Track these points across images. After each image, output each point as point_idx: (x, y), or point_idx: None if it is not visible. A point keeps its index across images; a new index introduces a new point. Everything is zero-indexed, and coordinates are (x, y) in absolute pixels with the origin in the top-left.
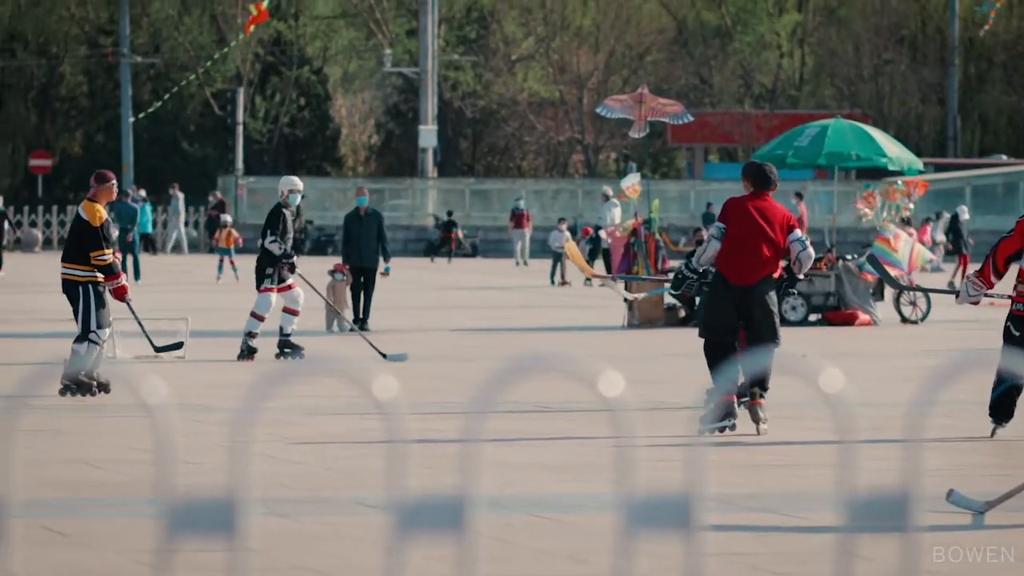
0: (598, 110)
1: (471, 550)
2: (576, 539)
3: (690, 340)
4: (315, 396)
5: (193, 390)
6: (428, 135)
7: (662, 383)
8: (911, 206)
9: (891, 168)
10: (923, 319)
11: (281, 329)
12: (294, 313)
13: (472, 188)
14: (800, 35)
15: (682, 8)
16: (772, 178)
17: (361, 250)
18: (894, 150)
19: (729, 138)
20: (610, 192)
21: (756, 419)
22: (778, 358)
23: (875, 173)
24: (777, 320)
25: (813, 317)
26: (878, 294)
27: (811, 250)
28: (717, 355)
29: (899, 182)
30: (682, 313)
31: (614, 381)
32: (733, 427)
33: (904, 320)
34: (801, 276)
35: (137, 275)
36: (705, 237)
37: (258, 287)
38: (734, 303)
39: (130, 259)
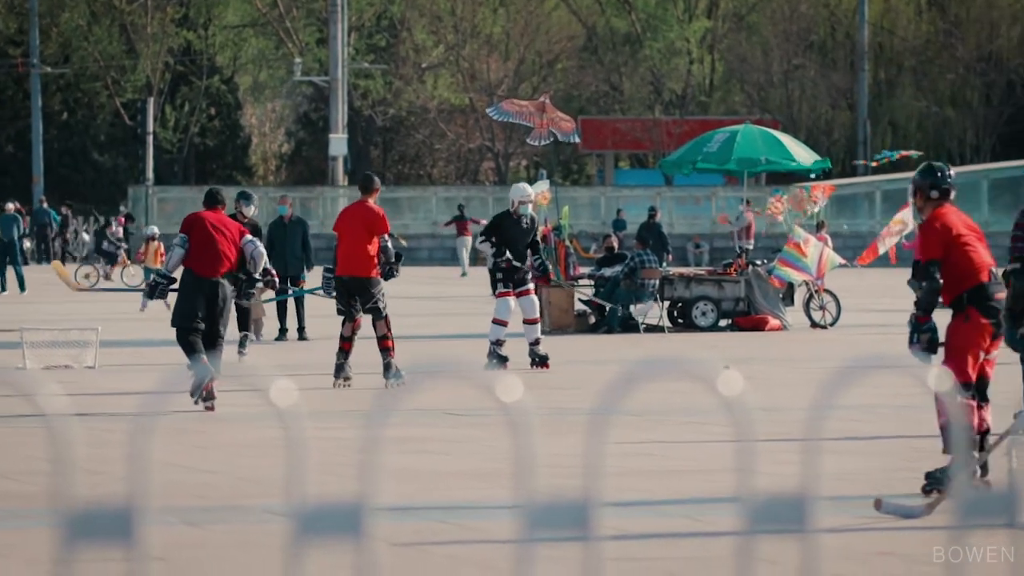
0: (489, 111)
1: (370, 556)
2: (485, 545)
3: (598, 346)
4: (227, 404)
5: (100, 399)
6: (338, 143)
7: (566, 389)
8: (818, 210)
9: (800, 172)
10: (833, 324)
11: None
12: (532, 322)
13: (382, 196)
14: (710, 41)
15: (592, 15)
16: (220, 197)
17: (287, 258)
18: (803, 154)
19: (639, 144)
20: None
21: (209, 398)
22: (683, 364)
23: (785, 178)
24: (232, 308)
25: (723, 322)
26: (788, 299)
27: (261, 248)
28: (190, 342)
29: (806, 187)
30: (592, 319)
31: (512, 386)
32: (212, 407)
33: (814, 325)
34: (257, 274)
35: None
36: (615, 244)
37: (493, 292)
38: (204, 294)
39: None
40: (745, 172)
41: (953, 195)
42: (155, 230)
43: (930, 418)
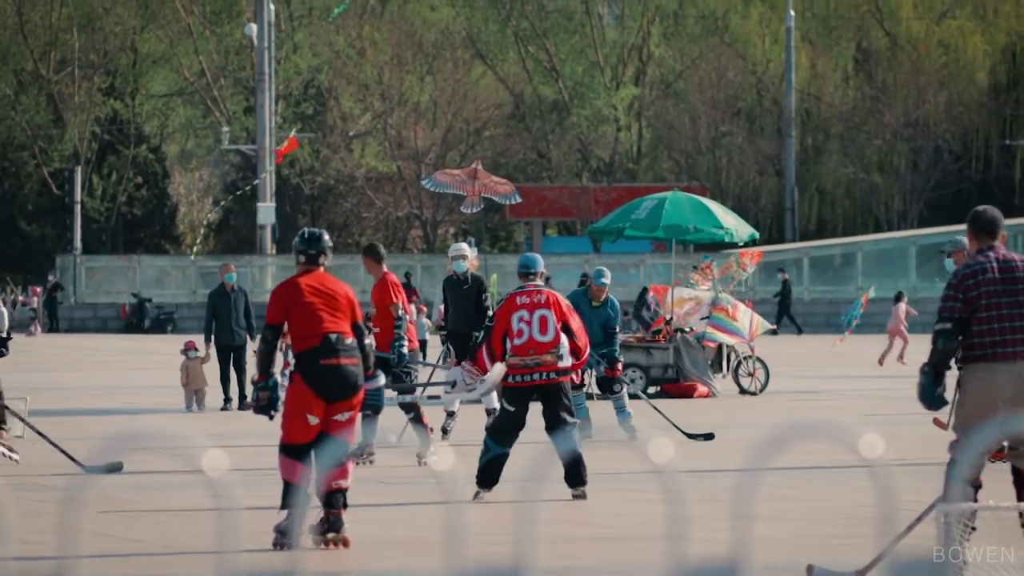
0: (424, 183)
1: None
2: None
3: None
4: (157, 472)
5: (30, 469)
6: (266, 212)
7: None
8: (745, 276)
9: (728, 240)
10: (762, 390)
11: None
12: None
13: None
14: (637, 108)
15: (519, 83)
16: None
17: (231, 327)
18: (731, 222)
19: (567, 212)
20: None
21: None
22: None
23: (713, 245)
24: None
25: (652, 389)
26: (716, 366)
27: None
28: None
29: (735, 253)
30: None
31: (444, 456)
32: None
33: (743, 391)
34: None
35: None
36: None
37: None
38: None
39: None
40: (673, 239)
41: (323, 260)
42: None
43: (860, 484)
